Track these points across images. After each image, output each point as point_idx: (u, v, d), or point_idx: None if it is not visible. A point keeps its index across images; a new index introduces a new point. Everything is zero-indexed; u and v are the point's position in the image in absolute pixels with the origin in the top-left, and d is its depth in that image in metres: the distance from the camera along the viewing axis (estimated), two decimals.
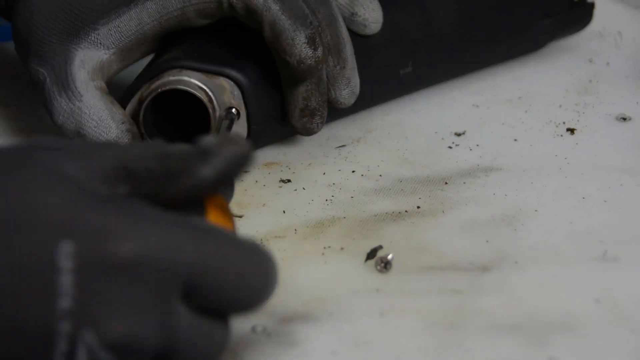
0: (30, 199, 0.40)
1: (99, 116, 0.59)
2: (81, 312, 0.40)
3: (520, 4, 0.74)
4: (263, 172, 0.64)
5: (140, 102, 0.60)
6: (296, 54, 0.59)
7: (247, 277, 0.42)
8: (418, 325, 0.51)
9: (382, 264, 0.55)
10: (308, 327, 0.51)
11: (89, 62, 0.60)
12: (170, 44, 0.62)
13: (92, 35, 0.60)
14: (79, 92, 0.59)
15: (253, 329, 0.50)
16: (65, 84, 0.60)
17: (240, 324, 0.51)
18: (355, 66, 0.63)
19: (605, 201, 0.62)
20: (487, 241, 0.58)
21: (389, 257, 0.55)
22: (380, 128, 0.69)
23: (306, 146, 0.67)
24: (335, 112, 0.66)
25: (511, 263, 0.56)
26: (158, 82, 0.60)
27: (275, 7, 0.58)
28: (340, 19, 0.63)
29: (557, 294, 0.54)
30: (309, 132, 0.63)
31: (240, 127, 0.62)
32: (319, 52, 0.59)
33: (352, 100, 0.64)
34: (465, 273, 0.55)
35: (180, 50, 0.61)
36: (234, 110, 0.61)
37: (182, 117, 0.63)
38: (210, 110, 0.60)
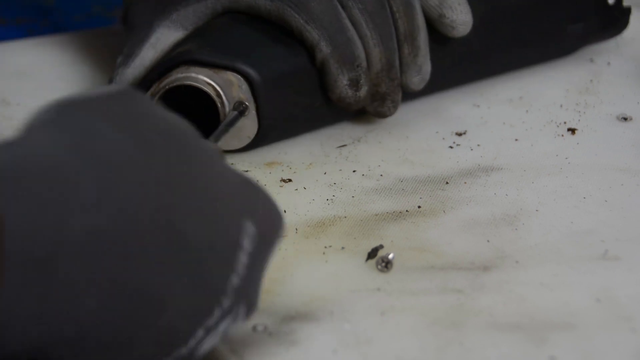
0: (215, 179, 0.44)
1: None
2: (242, 291, 0.44)
3: (551, 7, 0.73)
4: (264, 172, 0.64)
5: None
6: (337, 93, 0.64)
7: None
8: (419, 325, 0.51)
9: (383, 264, 0.55)
10: (309, 326, 0.51)
11: (163, 41, 0.64)
12: (189, 35, 0.63)
13: (174, 14, 0.64)
14: (134, 61, 0.63)
15: (254, 328, 0.50)
16: (129, 57, 0.63)
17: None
18: (428, 53, 0.66)
19: (606, 201, 0.62)
20: (487, 241, 0.58)
21: (390, 256, 0.55)
22: (381, 127, 0.69)
23: (307, 146, 0.67)
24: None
25: (512, 262, 0.56)
26: (167, 80, 0.61)
27: (326, 51, 0.62)
28: (418, 6, 0.65)
29: (558, 294, 0.54)
30: (381, 115, 0.66)
31: (251, 122, 0.63)
32: (362, 92, 0.63)
33: (421, 86, 0.66)
34: (466, 272, 0.55)
35: (195, 43, 0.62)
36: (245, 103, 0.62)
37: (196, 113, 0.63)
38: (219, 105, 0.61)
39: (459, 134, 0.68)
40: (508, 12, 0.72)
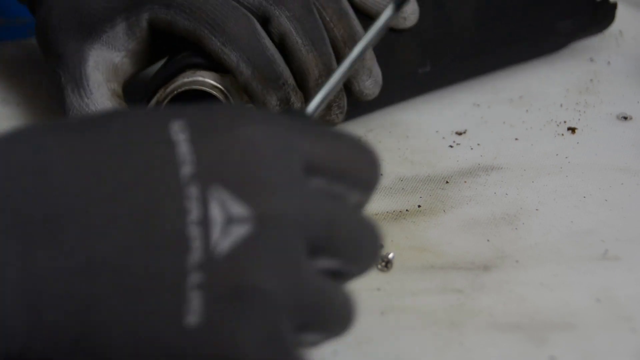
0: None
1: None
2: (204, 172, 0.40)
3: (541, 4, 0.73)
4: None
5: (158, 105, 0.61)
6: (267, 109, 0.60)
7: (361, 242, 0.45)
8: (419, 324, 0.51)
9: (383, 263, 0.55)
10: None
11: (102, 63, 0.61)
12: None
13: (103, 37, 0.61)
14: (90, 91, 0.60)
15: None
16: (79, 82, 0.60)
17: None
18: (374, 56, 0.64)
19: (606, 200, 0.62)
20: (487, 240, 0.58)
21: (390, 256, 0.55)
22: (381, 127, 0.69)
23: None
24: (356, 109, 0.66)
25: (512, 262, 0.56)
26: (173, 85, 0.60)
27: (246, 72, 0.59)
28: (351, 12, 0.63)
29: (558, 293, 0.54)
30: (330, 124, 0.63)
31: None
32: (296, 109, 0.60)
33: (376, 91, 0.64)
34: (465, 272, 0.55)
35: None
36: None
37: None
38: None
39: (459, 134, 0.68)
40: (501, 10, 0.72)
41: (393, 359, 0.49)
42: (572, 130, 0.69)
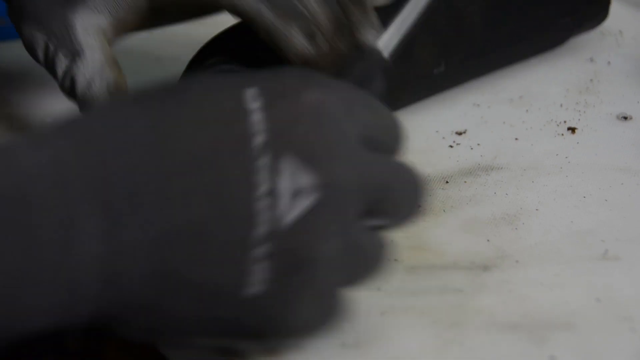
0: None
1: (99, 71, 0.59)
2: (276, 141, 0.43)
3: (543, 2, 0.74)
4: None
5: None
6: (294, 47, 0.57)
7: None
8: (419, 324, 0.51)
9: None
10: None
11: (90, 28, 0.59)
12: (213, 45, 0.62)
13: (88, 1, 0.59)
14: (87, 58, 0.58)
15: None
16: (73, 50, 0.59)
17: None
18: (373, 8, 0.61)
19: (606, 200, 0.62)
20: (487, 240, 0.58)
21: None
22: None
23: None
24: None
25: (512, 262, 0.56)
26: None
27: (268, 15, 0.57)
28: None
29: (558, 293, 0.54)
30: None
31: None
32: (320, 42, 0.57)
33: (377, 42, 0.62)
34: (466, 272, 0.55)
35: (227, 53, 0.61)
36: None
37: None
38: None
39: (459, 133, 0.68)
40: (507, 8, 0.72)
41: (393, 359, 0.49)
42: (572, 130, 0.69)
